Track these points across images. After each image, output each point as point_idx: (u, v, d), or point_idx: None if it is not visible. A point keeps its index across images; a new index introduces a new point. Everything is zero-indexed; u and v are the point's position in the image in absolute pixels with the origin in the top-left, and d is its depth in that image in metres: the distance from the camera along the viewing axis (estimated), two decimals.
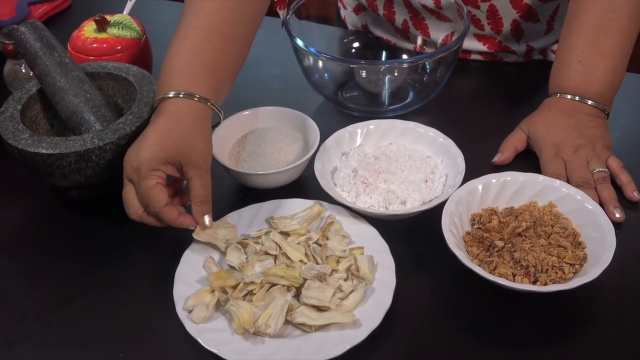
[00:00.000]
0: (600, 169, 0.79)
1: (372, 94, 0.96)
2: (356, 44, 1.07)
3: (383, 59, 1.05)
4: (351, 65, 0.94)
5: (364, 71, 0.95)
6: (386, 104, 0.95)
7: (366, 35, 1.09)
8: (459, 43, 0.87)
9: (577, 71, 0.84)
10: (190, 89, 0.73)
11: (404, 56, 1.04)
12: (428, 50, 1.02)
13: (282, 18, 0.93)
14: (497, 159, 0.84)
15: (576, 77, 0.84)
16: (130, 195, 0.71)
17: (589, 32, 0.84)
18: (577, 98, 0.84)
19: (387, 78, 0.94)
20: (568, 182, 0.77)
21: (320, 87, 0.95)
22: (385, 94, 0.95)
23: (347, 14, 1.13)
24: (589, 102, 0.84)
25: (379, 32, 1.07)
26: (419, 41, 1.02)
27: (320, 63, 0.92)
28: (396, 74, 0.94)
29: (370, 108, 0.95)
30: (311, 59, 0.91)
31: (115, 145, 0.76)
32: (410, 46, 1.04)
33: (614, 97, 0.86)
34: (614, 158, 0.81)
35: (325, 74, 0.94)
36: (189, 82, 0.74)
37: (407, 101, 0.94)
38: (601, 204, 0.75)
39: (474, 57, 1.04)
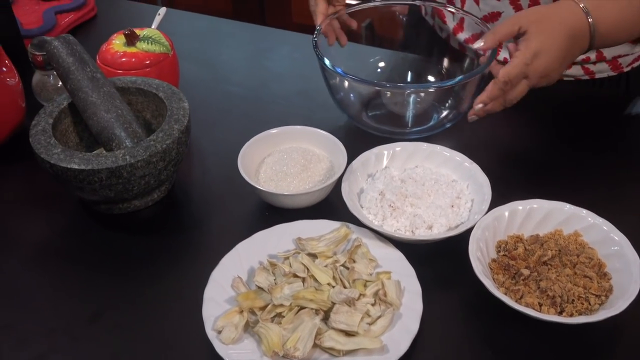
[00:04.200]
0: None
1: (396, 115, 0.96)
2: (382, 64, 1.07)
3: (409, 79, 1.05)
4: (376, 88, 0.94)
5: (389, 92, 0.96)
6: (409, 125, 0.95)
7: (393, 54, 1.09)
8: (485, 67, 0.88)
9: None
10: None
11: (430, 77, 1.04)
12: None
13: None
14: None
15: None
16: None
17: None
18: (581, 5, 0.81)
19: (412, 99, 0.95)
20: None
21: (345, 106, 0.95)
22: (410, 115, 0.95)
23: None
24: (590, 19, 0.81)
25: None
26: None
27: (346, 83, 0.92)
28: (422, 96, 0.95)
29: (394, 129, 0.95)
30: (337, 78, 0.91)
31: (146, 162, 0.77)
32: (451, 23, 1.05)
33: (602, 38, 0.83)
34: (526, 85, 0.82)
35: (351, 94, 0.95)
36: None
37: (431, 124, 0.94)
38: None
39: None
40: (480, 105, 0.82)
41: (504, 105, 0.83)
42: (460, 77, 0.86)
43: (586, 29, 0.81)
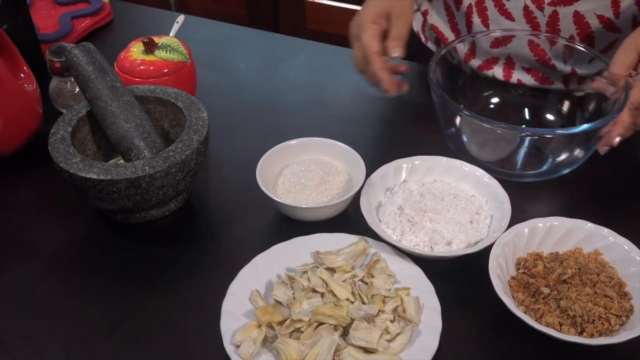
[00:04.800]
0: None
1: (507, 155, 0.87)
2: (495, 99, 1.00)
3: (526, 114, 0.98)
4: (489, 126, 0.80)
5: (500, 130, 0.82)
6: (518, 167, 0.87)
7: (506, 90, 1.02)
8: (621, 110, 0.80)
9: None
10: None
11: (549, 116, 0.97)
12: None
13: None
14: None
15: None
16: (355, 53, 0.88)
17: None
18: None
19: (526, 141, 0.86)
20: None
21: (454, 140, 0.89)
22: (520, 156, 0.87)
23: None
24: None
25: (435, 22, 1.09)
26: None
27: (459, 119, 0.86)
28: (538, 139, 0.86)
29: (502, 169, 0.87)
30: (453, 113, 0.85)
31: (165, 173, 0.76)
32: (463, 48, 1.03)
33: None
34: None
35: (463, 135, 0.88)
36: None
37: (544, 168, 0.87)
38: None
39: (516, 76, 1.02)
40: (618, 139, 0.81)
41: (635, 129, 0.81)
42: (592, 123, 0.78)
43: None
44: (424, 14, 1.12)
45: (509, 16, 0.97)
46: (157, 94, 0.87)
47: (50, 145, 0.79)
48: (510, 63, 1.02)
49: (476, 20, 1.01)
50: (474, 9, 1.00)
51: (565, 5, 0.94)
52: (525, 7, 0.96)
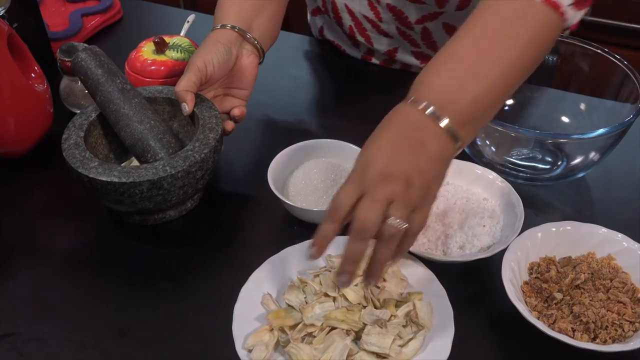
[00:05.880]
0: (398, 221, 0.61)
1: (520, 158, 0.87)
2: (510, 101, 0.96)
3: (541, 116, 0.95)
4: (503, 129, 0.79)
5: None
6: (532, 170, 0.87)
7: (521, 92, 0.92)
8: (630, 123, 0.78)
9: (450, 72, 0.65)
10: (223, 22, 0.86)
11: (565, 118, 0.94)
12: None
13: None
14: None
15: (447, 78, 0.65)
16: None
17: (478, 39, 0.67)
18: (430, 109, 0.63)
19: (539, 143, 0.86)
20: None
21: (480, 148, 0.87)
22: (533, 160, 0.87)
23: (311, 19, 1.20)
24: (445, 121, 0.63)
25: (331, 37, 1.14)
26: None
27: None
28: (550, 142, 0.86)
29: (516, 172, 0.86)
30: None
31: (185, 172, 0.76)
32: (358, 54, 1.10)
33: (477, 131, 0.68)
34: (422, 214, 0.64)
35: (477, 137, 0.86)
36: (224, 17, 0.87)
37: (557, 171, 0.86)
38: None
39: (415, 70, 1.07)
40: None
41: (359, 238, 0.64)
42: (608, 128, 0.77)
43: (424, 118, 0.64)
44: (320, 30, 1.16)
45: (387, 35, 1.03)
46: (165, 94, 0.86)
47: (65, 152, 0.78)
48: (406, 66, 1.08)
49: (360, 39, 1.07)
50: (355, 30, 1.06)
51: (432, 20, 0.98)
52: (398, 28, 1.01)
